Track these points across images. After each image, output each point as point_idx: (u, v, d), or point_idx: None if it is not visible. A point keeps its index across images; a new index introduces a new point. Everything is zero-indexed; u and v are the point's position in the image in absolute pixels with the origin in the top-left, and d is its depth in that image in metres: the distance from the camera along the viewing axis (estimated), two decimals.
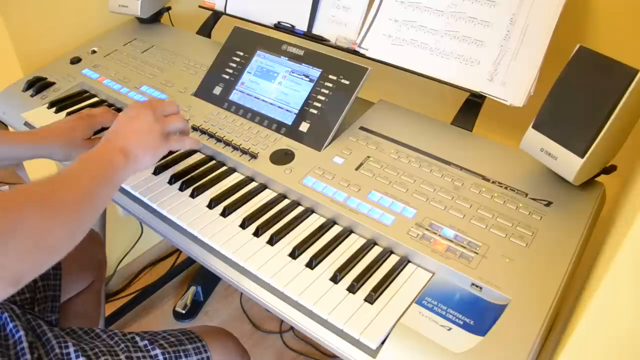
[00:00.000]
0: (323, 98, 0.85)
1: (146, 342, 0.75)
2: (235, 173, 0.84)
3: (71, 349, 0.70)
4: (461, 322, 0.58)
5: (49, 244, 0.54)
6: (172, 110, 0.76)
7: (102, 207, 0.65)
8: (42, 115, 0.98)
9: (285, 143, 0.85)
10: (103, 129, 0.92)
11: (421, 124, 0.87)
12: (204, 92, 0.97)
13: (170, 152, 0.87)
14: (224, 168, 0.85)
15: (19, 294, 0.82)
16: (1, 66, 1.17)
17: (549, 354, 0.55)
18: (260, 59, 0.93)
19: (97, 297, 1.08)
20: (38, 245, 0.52)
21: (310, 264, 0.67)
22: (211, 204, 0.76)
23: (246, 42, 0.96)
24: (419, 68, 0.89)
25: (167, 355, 0.74)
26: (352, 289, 0.63)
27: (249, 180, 0.82)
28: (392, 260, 0.68)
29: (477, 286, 0.62)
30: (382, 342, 0.57)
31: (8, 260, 0.49)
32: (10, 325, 0.69)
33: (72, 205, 0.58)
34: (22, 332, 0.69)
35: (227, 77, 0.95)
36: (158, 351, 0.74)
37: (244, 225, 0.73)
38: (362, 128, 0.86)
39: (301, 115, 0.86)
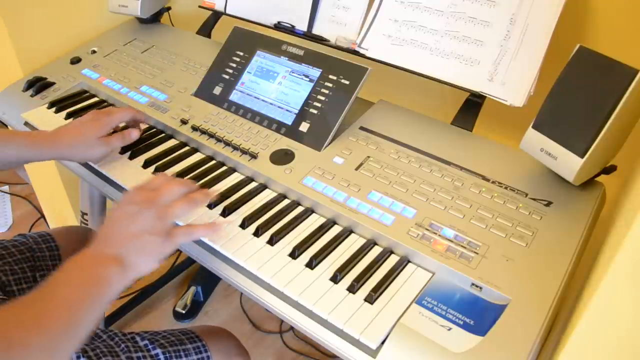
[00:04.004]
0: (323, 98, 0.85)
1: (146, 341, 0.75)
2: (235, 173, 0.84)
3: None
4: (461, 322, 0.58)
5: None
6: (180, 192, 0.64)
7: (87, 331, 0.54)
8: (42, 115, 0.98)
9: (285, 143, 0.85)
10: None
11: (421, 124, 0.87)
12: (204, 92, 0.97)
13: (170, 153, 0.88)
14: (224, 168, 0.85)
15: (19, 292, 0.82)
16: (1, 66, 1.17)
17: (549, 354, 0.55)
18: (260, 59, 0.93)
19: None
20: None
21: (310, 264, 0.67)
22: (211, 204, 0.76)
23: (246, 42, 0.96)
24: (419, 68, 0.89)
25: (167, 355, 0.74)
26: (352, 289, 0.63)
27: (249, 180, 0.82)
28: (392, 260, 0.68)
29: (477, 286, 0.62)
30: (382, 342, 0.57)
31: None
32: None
33: (53, 337, 0.51)
34: None
35: (227, 77, 0.95)
36: (158, 350, 0.74)
37: (244, 225, 0.73)
38: (362, 128, 0.86)
39: (301, 115, 0.86)
